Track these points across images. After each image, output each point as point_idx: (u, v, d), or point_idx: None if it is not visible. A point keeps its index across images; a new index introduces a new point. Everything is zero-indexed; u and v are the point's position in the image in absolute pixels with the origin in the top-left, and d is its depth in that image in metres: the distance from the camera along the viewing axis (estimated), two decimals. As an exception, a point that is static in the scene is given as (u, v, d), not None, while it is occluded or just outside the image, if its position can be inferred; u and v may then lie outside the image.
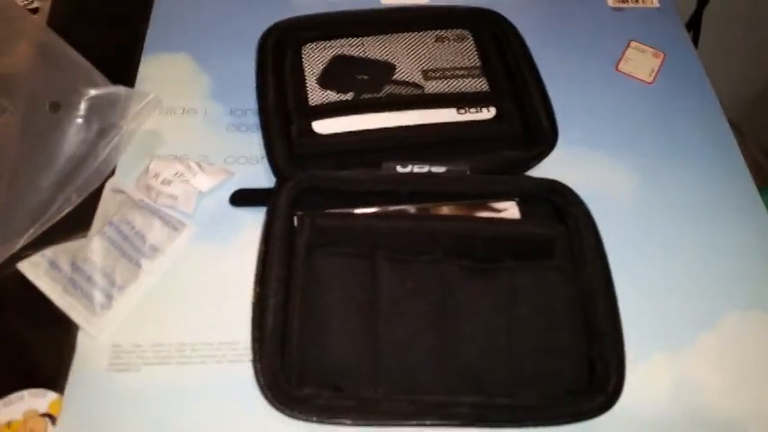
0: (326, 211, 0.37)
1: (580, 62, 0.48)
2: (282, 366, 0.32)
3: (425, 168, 0.38)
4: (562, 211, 0.38)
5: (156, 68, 0.47)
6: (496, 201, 0.39)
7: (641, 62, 0.48)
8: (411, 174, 0.38)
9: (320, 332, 0.33)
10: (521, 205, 0.39)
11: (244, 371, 0.34)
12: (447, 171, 0.38)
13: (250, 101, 0.45)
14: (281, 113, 0.43)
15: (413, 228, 0.37)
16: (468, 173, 0.38)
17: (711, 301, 0.38)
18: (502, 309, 0.34)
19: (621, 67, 0.48)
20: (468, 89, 0.44)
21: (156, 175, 0.40)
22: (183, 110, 0.45)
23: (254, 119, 0.44)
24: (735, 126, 0.46)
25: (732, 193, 0.42)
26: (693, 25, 0.64)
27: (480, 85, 0.45)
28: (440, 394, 0.32)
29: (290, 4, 0.50)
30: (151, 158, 0.42)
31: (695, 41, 0.63)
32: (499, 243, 0.37)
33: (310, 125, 0.42)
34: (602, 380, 0.33)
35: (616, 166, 0.43)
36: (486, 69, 0.46)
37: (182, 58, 0.48)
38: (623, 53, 0.49)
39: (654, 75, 0.48)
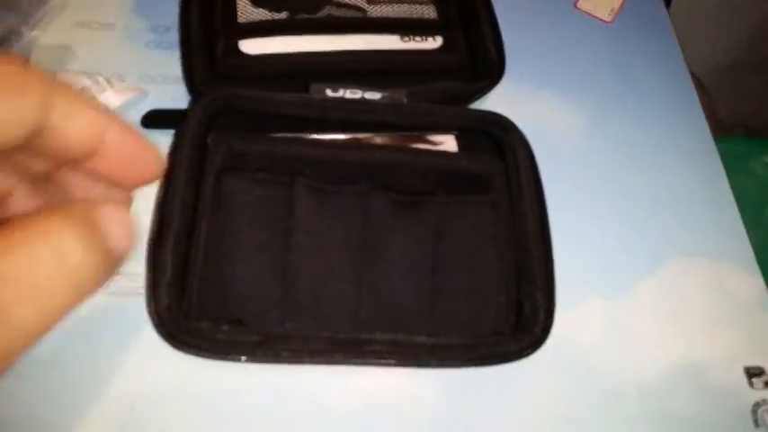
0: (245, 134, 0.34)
1: (538, -1, 0.45)
2: (181, 298, 0.29)
3: (358, 94, 0.35)
4: (502, 147, 0.35)
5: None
6: (433, 133, 0.35)
7: (601, 0, 0.45)
8: (342, 99, 0.35)
9: (225, 263, 0.30)
10: (459, 139, 0.36)
11: (141, 303, 0.30)
12: (382, 98, 0.35)
13: (175, 17, 0.41)
14: (206, 29, 0.39)
15: (339, 156, 0.34)
16: (404, 101, 0.35)
17: (654, 248, 0.36)
18: (428, 245, 0.31)
19: (581, 4, 0.45)
20: (415, 15, 0.41)
21: (58, 89, 0.35)
22: (100, 24, 0.41)
23: (177, 37, 0.40)
24: (703, 87, 0.44)
25: (685, 140, 0.40)
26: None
27: (428, 11, 0.41)
28: (354, 331, 0.29)
29: None
30: (58, 73, 0.37)
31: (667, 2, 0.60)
32: (431, 176, 0.34)
33: (237, 44, 0.38)
34: (529, 321, 0.30)
35: (564, 106, 0.40)
36: (436, -6, 0.42)
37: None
38: (584, -11, 0.46)
39: (614, 14, 0.45)
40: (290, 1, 0.40)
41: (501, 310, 0.31)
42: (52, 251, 0.14)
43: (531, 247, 0.32)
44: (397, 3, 0.41)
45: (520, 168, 0.34)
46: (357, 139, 0.35)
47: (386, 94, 0.35)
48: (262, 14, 0.40)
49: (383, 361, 0.29)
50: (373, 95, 0.35)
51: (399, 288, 0.30)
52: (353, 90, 0.35)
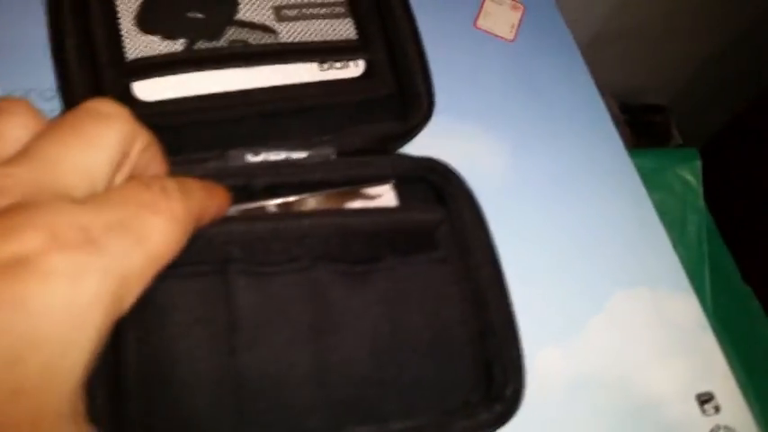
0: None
1: (436, 17, 0.41)
2: (117, 419, 0.26)
3: (282, 155, 0.31)
4: (442, 194, 0.33)
5: None
6: (369, 185, 0.33)
7: (500, 16, 0.43)
8: (265, 163, 0.31)
9: (166, 379, 0.27)
10: (397, 188, 0.33)
11: None
12: (309, 156, 0.32)
13: (43, 78, 0.33)
14: (87, 69, 0.33)
15: (273, 230, 0.30)
16: (333, 157, 0.32)
17: (598, 282, 0.36)
18: (385, 317, 0.30)
19: (480, 23, 0.42)
20: (333, 36, 0.36)
21: None
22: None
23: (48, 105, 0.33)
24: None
25: (605, 161, 0.40)
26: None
27: (346, 29, 0.37)
28: (324, 431, 0.28)
29: None
30: None
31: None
32: (374, 238, 0.31)
33: (129, 87, 0.33)
34: (499, 386, 0.30)
35: (486, 137, 0.39)
36: (353, 6, 0.37)
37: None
38: (481, 7, 0.43)
39: (514, 31, 0.42)
40: (186, 23, 0.34)
41: (470, 373, 0.30)
42: None
43: (489, 303, 0.31)
44: (309, 19, 0.36)
45: (463, 215, 0.32)
46: (288, 204, 0.32)
47: (312, 152, 0.31)
48: (154, 45, 0.34)
49: None
50: (299, 154, 0.31)
51: (363, 371, 0.29)
52: (276, 151, 0.31)
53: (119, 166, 0.18)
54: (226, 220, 0.30)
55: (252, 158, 0.31)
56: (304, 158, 0.32)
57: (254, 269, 0.29)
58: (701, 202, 0.45)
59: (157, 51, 0.34)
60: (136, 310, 0.27)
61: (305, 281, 0.29)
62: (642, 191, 0.39)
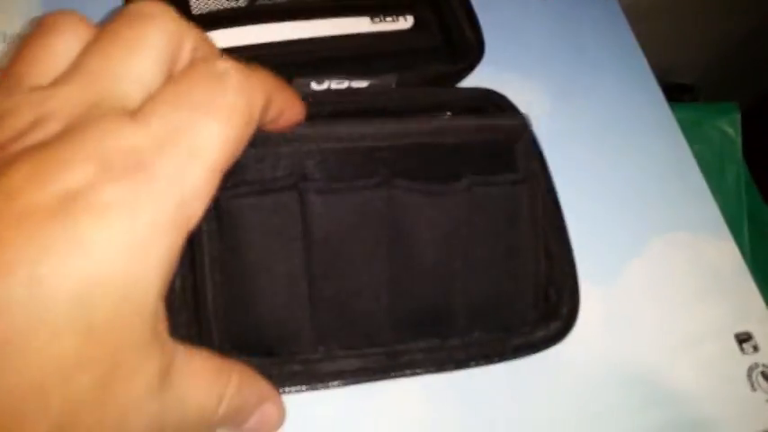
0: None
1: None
2: (200, 337, 0.26)
3: (345, 83, 0.32)
4: None
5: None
6: (428, 116, 0.34)
7: None
8: (329, 91, 0.32)
9: (241, 290, 0.27)
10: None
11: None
12: (370, 86, 0.33)
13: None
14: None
15: (348, 144, 0.29)
16: (394, 86, 0.33)
17: (636, 227, 0.36)
18: (458, 236, 0.29)
19: None
20: (381, -6, 0.39)
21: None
22: (4, 36, 0.35)
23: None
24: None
25: (644, 112, 0.40)
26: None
27: (393, -10, 0.39)
28: (391, 344, 0.27)
29: None
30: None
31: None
32: (457, 153, 0.30)
33: (195, 38, 0.34)
34: (555, 306, 0.30)
35: (528, 86, 0.40)
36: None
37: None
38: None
39: None
40: (245, -15, 0.37)
41: (529, 293, 0.30)
42: None
43: (550, 226, 0.31)
44: (359, -19, 0.39)
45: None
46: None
47: (374, 81, 0.33)
48: (218, 3, 0.36)
49: (420, 370, 0.28)
50: (360, 83, 0.33)
51: (433, 289, 0.29)
52: (339, 79, 0.32)
53: (171, 65, 0.17)
54: (302, 137, 0.29)
55: (316, 87, 0.32)
56: (365, 87, 0.33)
57: (328, 187, 0.28)
58: (740, 155, 0.45)
59: (220, 7, 0.36)
60: (213, 227, 0.27)
61: (380, 197, 0.28)
62: (681, 140, 0.40)
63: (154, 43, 0.16)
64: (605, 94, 0.40)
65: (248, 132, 0.17)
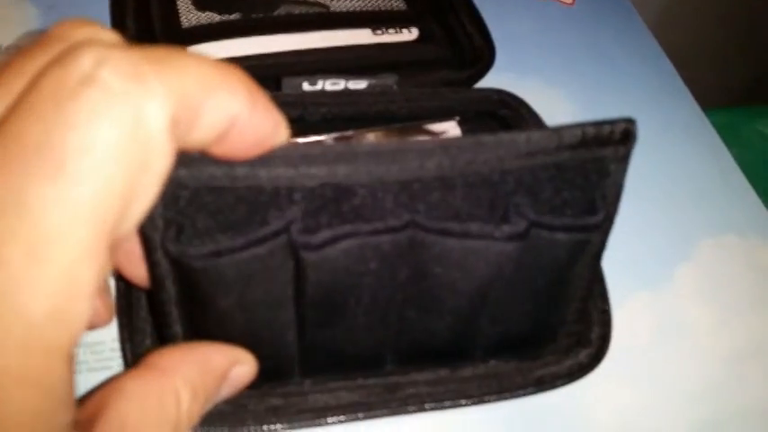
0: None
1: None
2: None
3: (340, 84, 0.29)
4: (512, 129, 0.30)
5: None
6: (433, 121, 0.30)
7: None
8: (322, 92, 0.29)
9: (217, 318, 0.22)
10: (462, 125, 0.31)
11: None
12: (369, 87, 0.30)
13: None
14: (144, 37, 0.33)
15: (357, 180, 0.18)
16: (394, 87, 0.30)
17: (683, 231, 0.32)
18: (494, 284, 0.21)
19: None
20: (383, 8, 0.36)
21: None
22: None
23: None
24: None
25: (677, 117, 0.37)
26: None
27: (396, 3, 0.37)
28: (388, 374, 0.23)
29: None
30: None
31: None
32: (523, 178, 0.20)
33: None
34: (583, 330, 0.25)
35: (553, 93, 0.37)
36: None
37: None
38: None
39: None
40: (239, 2, 0.35)
41: (558, 322, 0.25)
42: None
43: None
44: (360, -5, 0.37)
45: None
46: (345, 138, 0.29)
47: (373, 81, 0.30)
48: (209, 18, 0.34)
49: (426, 405, 0.22)
50: (358, 84, 0.30)
51: (448, 328, 0.22)
52: (334, 80, 0.29)
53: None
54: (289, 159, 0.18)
55: (308, 87, 0.29)
56: (364, 89, 0.30)
57: (325, 234, 0.19)
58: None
59: (211, 21, 0.34)
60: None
61: (393, 242, 0.19)
62: (720, 143, 0.37)
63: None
64: (634, 100, 0.37)
65: (135, 171, 0.13)
